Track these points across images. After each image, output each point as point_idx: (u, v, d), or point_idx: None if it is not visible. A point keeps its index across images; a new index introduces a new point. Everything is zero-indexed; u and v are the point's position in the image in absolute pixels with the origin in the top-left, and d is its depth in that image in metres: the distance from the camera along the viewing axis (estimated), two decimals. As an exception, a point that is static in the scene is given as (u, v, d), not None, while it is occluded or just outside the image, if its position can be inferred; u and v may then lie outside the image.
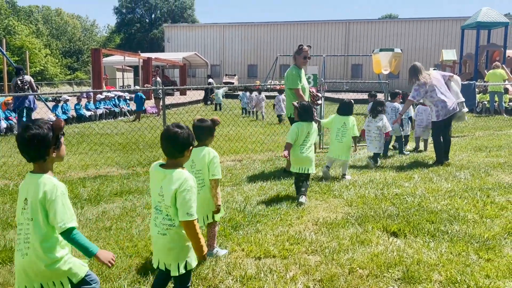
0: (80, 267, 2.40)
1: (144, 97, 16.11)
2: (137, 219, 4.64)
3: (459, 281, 3.16)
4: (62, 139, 2.35)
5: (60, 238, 2.27)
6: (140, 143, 9.21)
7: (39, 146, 2.21)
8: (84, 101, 15.24)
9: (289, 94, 6.53)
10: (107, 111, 15.69)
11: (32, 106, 11.10)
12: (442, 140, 7.15)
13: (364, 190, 5.58)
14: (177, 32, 45.05)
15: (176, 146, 2.54)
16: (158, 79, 16.82)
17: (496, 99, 15.03)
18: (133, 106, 16.95)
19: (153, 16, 64.95)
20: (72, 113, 14.47)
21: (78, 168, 7.24)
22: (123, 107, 16.58)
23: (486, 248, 3.71)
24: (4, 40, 19.19)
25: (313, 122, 5.29)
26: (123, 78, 30.30)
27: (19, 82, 10.98)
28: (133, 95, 18.43)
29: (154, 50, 48.44)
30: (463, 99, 7.43)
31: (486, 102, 15.82)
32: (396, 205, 4.95)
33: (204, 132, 3.43)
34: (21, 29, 45.60)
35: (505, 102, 15.79)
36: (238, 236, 4.07)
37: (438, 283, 3.16)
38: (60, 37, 60.71)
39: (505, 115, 14.47)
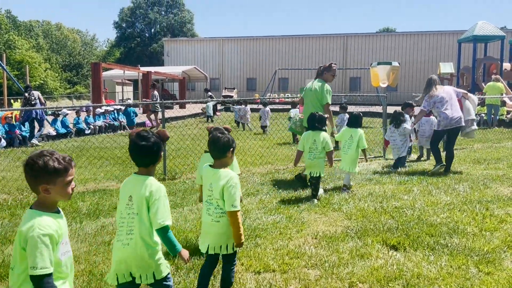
0: (166, 266, 2.62)
1: (135, 111, 16.20)
2: (136, 234, 4.62)
3: (459, 295, 3.15)
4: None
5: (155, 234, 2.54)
6: (140, 157, 9.22)
7: (151, 154, 2.56)
8: (83, 115, 15.28)
9: (318, 107, 6.58)
10: (106, 124, 15.72)
11: (39, 117, 12.38)
12: (446, 153, 7.55)
13: (363, 203, 5.58)
14: (176, 46, 45.38)
15: (219, 149, 2.97)
16: (156, 92, 16.90)
17: (493, 111, 15.11)
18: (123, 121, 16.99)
19: (152, 30, 65.52)
20: (71, 127, 14.50)
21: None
22: (122, 121, 16.62)
23: (486, 262, 3.70)
24: (4, 55, 19.29)
25: (322, 132, 5.66)
26: (122, 92, 30.41)
27: (27, 95, 12.31)
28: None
29: (153, 64, 48.75)
30: (474, 117, 7.90)
31: (483, 115, 15.90)
32: (396, 218, 4.94)
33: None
34: (21, 44, 45.92)
35: (502, 115, 15.88)
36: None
37: (439, 297, 3.15)
38: (60, 51, 61.12)
39: (496, 128, 14.54)
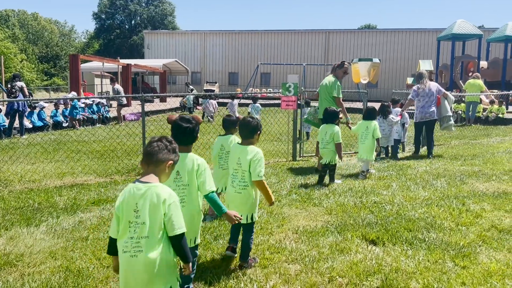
0: (199, 234, 3.14)
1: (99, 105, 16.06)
2: (115, 229, 4.55)
3: (436, 288, 3.21)
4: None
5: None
6: (119, 151, 9.09)
7: (193, 134, 3.08)
8: (61, 108, 14.96)
9: (330, 100, 7.34)
10: (85, 118, 15.43)
11: (21, 108, 11.92)
12: (427, 142, 8.85)
13: (343, 199, 5.62)
14: (157, 38, 44.78)
15: (250, 130, 3.59)
16: (117, 85, 16.64)
17: (471, 108, 15.43)
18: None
19: (133, 22, 64.50)
20: (48, 119, 14.18)
21: (54, 176, 7.08)
22: (100, 114, 16.34)
23: (462, 256, 3.78)
24: (-22, 45, 18.71)
25: (335, 125, 6.41)
26: (101, 84, 29.88)
27: (9, 87, 12.14)
28: (113, 102, 18.22)
29: (133, 57, 48.06)
30: (451, 114, 9.00)
31: (461, 112, 16.22)
32: (375, 213, 5.00)
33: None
34: (-4, 34, 44.63)
35: (478, 112, 16.23)
36: (218, 245, 4.05)
37: (416, 291, 3.20)
38: (36, 42, 59.62)
39: (472, 125, 14.86)
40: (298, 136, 9.09)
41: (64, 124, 14.40)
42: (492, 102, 16.40)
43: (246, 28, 49.66)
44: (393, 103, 9.45)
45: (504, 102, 16.86)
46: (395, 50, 38.74)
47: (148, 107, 19.61)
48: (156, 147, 2.46)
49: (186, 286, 2.99)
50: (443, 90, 8.85)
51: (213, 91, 32.47)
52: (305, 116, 8.45)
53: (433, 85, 8.70)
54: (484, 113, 16.23)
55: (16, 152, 8.83)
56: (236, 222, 3.12)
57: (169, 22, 64.71)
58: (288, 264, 3.68)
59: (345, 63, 7.53)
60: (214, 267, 3.58)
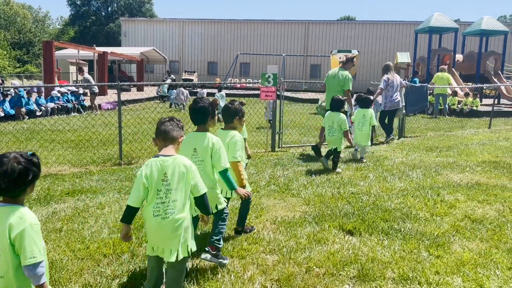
0: (224, 201, 3.50)
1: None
2: (89, 220, 4.46)
3: (411, 278, 3.26)
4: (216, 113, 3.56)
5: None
6: (94, 141, 8.90)
7: (207, 113, 3.36)
8: (34, 96, 14.54)
9: (341, 92, 7.81)
10: (59, 106, 15.05)
11: None
12: (387, 126, 9.50)
13: (321, 189, 5.65)
14: (134, 26, 43.90)
15: (229, 115, 3.79)
16: (86, 75, 16.28)
17: (441, 101, 15.74)
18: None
19: (109, 9, 63.00)
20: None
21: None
22: (76, 103, 15.96)
23: (436, 245, 3.85)
24: None
25: (341, 113, 6.69)
26: (77, 72, 29.18)
27: None
28: (87, 90, 17.82)
29: (110, 44, 46.99)
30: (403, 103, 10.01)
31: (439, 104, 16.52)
32: (352, 204, 5.05)
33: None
34: (-35, 18, 42.92)
35: (453, 105, 16.56)
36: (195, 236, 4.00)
37: (391, 281, 3.24)
38: (8, 28, 57.63)
39: (447, 116, 15.18)
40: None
41: (38, 113, 14.00)
42: (467, 95, 16.75)
43: (226, 17, 49.17)
44: (368, 93, 9.93)
45: (478, 95, 17.26)
46: (373, 42, 39.07)
47: (125, 96, 19.27)
48: (170, 125, 2.82)
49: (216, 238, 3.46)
50: (403, 83, 9.92)
51: (191, 80, 32.14)
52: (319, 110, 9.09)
53: (398, 77, 9.59)
54: (459, 106, 16.57)
55: (-13, 141, 8.54)
56: (246, 197, 3.53)
57: (147, 10, 63.47)
58: (266, 255, 3.67)
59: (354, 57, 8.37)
60: (192, 258, 3.55)
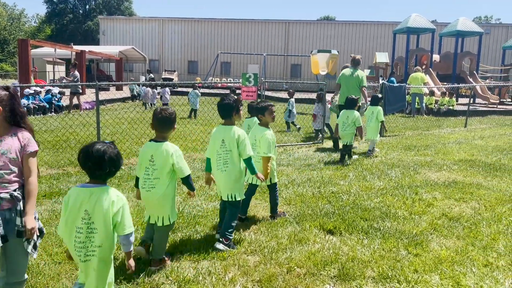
0: (243, 190, 4.00)
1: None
2: (67, 223, 4.37)
3: (390, 276, 3.30)
4: (241, 109, 4.14)
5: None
6: (72, 141, 8.74)
7: (230, 109, 3.85)
8: (9, 95, 14.17)
9: (355, 88, 8.56)
10: (36, 106, 14.71)
11: None
12: None
13: (302, 189, 5.68)
14: (113, 24, 43.25)
15: (226, 110, 3.88)
16: (77, 73, 15.97)
17: (418, 100, 16.03)
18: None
19: (87, 7, 61.96)
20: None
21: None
22: (53, 103, 15.63)
23: (414, 244, 3.91)
24: None
25: (355, 111, 7.36)
26: (53, 71, 28.59)
27: None
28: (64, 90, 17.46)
29: (88, 43, 46.20)
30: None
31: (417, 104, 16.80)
32: (332, 203, 5.09)
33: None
34: None
35: (431, 104, 16.87)
36: (176, 238, 3.98)
37: (371, 279, 3.28)
38: (-18, 25, 56.08)
39: (425, 115, 15.46)
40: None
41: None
42: (443, 94, 17.09)
43: (206, 16, 48.92)
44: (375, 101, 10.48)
45: (454, 95, 17.63)
46: (353, 42, 39.48)
47: (104, 95, 18.97)
48: (166, 116, 3.33)
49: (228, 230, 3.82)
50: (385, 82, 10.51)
51: (171, 79, 31.88)
52: (332, 107, 9.57)
53: None
54: (436, 105, 16.89)
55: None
56: (263, 181, 4.07)
57: (126, 8, 62.68)
58: (247, 256, 3.67)
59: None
60: (172, 260, 3.52)
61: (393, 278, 3.28)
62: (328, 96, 10.32)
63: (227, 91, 23.69)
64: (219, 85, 29.83)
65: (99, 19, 46.40)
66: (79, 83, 14.84)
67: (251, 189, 4.55)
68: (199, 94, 15.38)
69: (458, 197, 5.42)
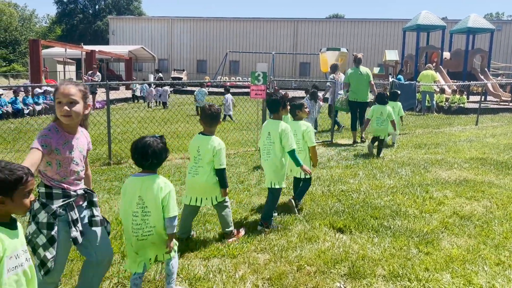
0: (281, 183, 4.26)
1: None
2: (79, 221, 4.42)
3: (401, 274, 3.29)
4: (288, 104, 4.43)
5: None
6: (83, 140, 8.81)
7: (276, 105, 4.26)
8: (21, 95, 14.35)
9: (367, 85, 9.37)
10: (47, 106, 14.88)
11: None
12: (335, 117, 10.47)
13: (311, 187, 5.65)
14: (122, 24, 43.54)
15: (274, 106, 4.29)
16: (99, 74, 16.08)
17: (428, 98, 15.89)
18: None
19: (97, 7, 62.40)
20: (8, 108, 13.58)
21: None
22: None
23: (425, 242, 3.89)
24: None
25: (387, 106, 7.90)
26: (64, 71, 28.87)
27: None
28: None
29: (98, 43, 46.54)
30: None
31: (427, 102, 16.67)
32: (342, 202, 5.08)
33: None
34: (-50, 16, 42.10)
35: (441, 102, 16.73)
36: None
37: (382, 278, 3.27)
38: (-6, 26, 56.71)
39: (435, 113, 15.32)
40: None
41: (25, 112, 13.83)
42: (454, 92, 16.93)
43: (215, 15, 48.97)
44: (313, 88, 11.14)
45: (465, 92, 17.44)
46: (362, 40, 39.28)
47: (113, 95, 19.11)
48: (214, 112, 3.75)
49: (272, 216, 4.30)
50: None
51: (181, 78, 31.99)
52: (337, 104, 9.91)
53: (342, 76, 10.88)
54: (447, 103, 16.74)
55: (-27, 141, 8.41)
56: (309, 174, 4.40)
57: (135, 8, 63.02)
58: (257, 254, 3.68)
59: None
60: (183, 258, 3.54)
61: (403, 276, 3.27)
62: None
63: (238, 90, 23.73)
64: (228, 84, 29.86)
65: (108, 19, 46.72)
66: (95, 82, 14.97)
67: (296, 184, 4.93)
68: (207, 92, 15.44)
69: (469, 195, 5.37)
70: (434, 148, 8.70)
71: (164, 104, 18.68)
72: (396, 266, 3.42)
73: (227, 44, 40.32)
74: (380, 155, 7.77)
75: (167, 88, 18.78)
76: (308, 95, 10.55)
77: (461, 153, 8.09)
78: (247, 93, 9.56)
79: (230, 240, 3.88)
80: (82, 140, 2.62)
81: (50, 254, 2.43)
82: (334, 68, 11.08)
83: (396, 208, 4.83)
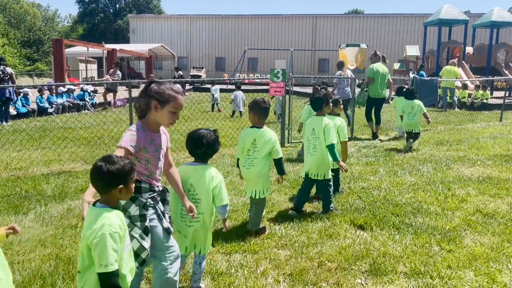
0: (329, 174, 4.61)
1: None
2: (104, 216, 4.53)
3: (422, 272, 3.28)
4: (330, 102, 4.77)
5: None
6: (106, 137, 9.00)
7: (320, 103, 4.61)
8: (46, 94, 14.70)
9: (385, 81, 9.57)
10: (70, 104, 15.20)
11: (11, 97, 11.80)
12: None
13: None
14: (142, 23, 44.03)
15: (317, 103, 4.63)
16: (119, 72, 16.32)
17: (449, 94, 15.61)
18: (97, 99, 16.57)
19: (117, 6, 63.21)
20: (33, 106, 13.94)
21: (41, 163, 7.00)
22: (87, 100, 16.11)
23: (447, 240, 3.86)
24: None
25: (417, 100, 8.19)
26: (86, 70, 29.40)
27: (0, 73, 11.48)
28: (97, 88, 17.94)
29: (118, 41, 47.24)
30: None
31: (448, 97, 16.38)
32: (363, 199, 5.07)
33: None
34: (-24, 17, 43.26)
35: (464, 98, 16.42)
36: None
37: (403, 275, 3.27)
38: (19, 26, 58.09)
39: (457, 109, 15.04)
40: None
41: (50, 110, 14.16)
42: (477, 88, 16.60)
43: (233, 13, 49.05)
44: (323, 85, 11.37)
45: (488, 88, 17.07)
46: (382, 35, 38.77)
47: (134, 92, 19.37)
48: (267, 106, 3.97)
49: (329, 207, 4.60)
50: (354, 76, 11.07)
51: (199, 76, 32.19)
52: (359, 99, 9.94)
53: (349, 72, 11.35)
54: (469, 99, 16.43)
55: (1, 139, 8.68)
56: (344, 170, 4.53)
57: (154, 6, 63.58)
58: (278, 250, 3.72)
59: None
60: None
61: (425, 273, 3.26)
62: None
63: (256, 87, 23.81)
64: (246, 81, 29.91)
65: (129, 17, 47.30)
66: (117, 81, 15.22)
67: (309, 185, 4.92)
68: (218, 88, 15.65)
69: (493, 192, 5.29)
70: (456, 144, 8.57)
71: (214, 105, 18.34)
72: (418, 263, 3.41)
73: (246, 41, 40.35)
74: (412, 148, 8.06)
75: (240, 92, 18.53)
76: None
77: (484, 150, 7.95)
78: (266, 90, 9.59)
79: (252, 238, 3.95)
80: (163, 137, 2.73)
81: (147, 243, 2.54)
82: (340, 65, 11.26)
83: (418, 206, 4.80)
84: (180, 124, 10.49)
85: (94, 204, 2.15)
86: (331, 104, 4.78)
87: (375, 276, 3.25)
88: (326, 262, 3.47)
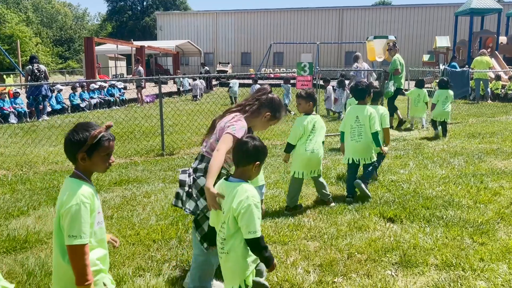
0: (374, 156, 4.99)
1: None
2: (137, 208, 4.69)
3: (454, 264, 3.26)
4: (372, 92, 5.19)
5: None
6: (137, 132, 9.23)
7: (363, 93, 4.93)
8: (79, 91, 15.15)
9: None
10: (102, 100, 15.61)
11: (47, 93, 12.35)
12: None
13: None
14: (169, 19, 44.55)
15: (360, 93, 4.95)
16: (140, 68, 16.62)
17: (482, 86, 15.16)
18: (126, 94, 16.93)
19: (144, 3, 64.12)
20: (66, 102, 14.40)
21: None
22: (117, 96, 16.50)
23: (480, 233, 3.81)
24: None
25: (449, 90, 8.57)
26: (115, 66, 30.05)
27: (36, 71, 11.90)
28: (128, 84, 18.30)
29: (146, 38, 47.93)
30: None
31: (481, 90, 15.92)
32: (392, 192, 5.04)
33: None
34: (11, 17, 44.80)
35: (497, 89, 15.93)
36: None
37: (434, 267, 3.26)
38: (51, 26, 59.82)
39: (489, 101, 14.59)
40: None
41: (82, 105, 14.58)
42: (511, 79, 16.06)
43: (258, 7, 48.95)
44: (342, 77, 12.32)
45: (523, 79, 16.48)
46: (410, 26, 37.91)
47: (163, 88, 19.72)
48: (364, 87, 4.85)
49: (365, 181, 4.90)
50: (370, 68, 11.67)
51: (226, 71, 32.36)
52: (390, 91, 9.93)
53: (365, 65, 11.74)
54: (503, 90, 15.92)
55: (38, 135, 9.03)
56: (385, 153, 5.12)
57: (181, 3, 64.14)
58: (308, 241, 3.76)
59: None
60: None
61: (457, 266, 3.24)
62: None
63: (281, 81, 23.79)
64: (272, 75, 29.87)
65: (156, 14, 47.94)
66: (143, 77, 15.54)
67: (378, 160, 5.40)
68: (237, 82, 15.87)
69: (527, 186, 5.16)
70: (489, 137, 8.36)
71: (195, 97, 18.53)
72: (449, 256, 3.39)
73: (271, 35, 40.24)
74: (446, 136, 8.45)
75: (198, 82, 18.83)
76: (336, 83, 12.02)
77: (518, 143, 7.73)
78: (292, 84, 9.58)
79: (288, 212, 4.43)
80: None
81: None
82: (356, 58, 11.43)
83: (449, 199, 4.74)
84: (204, 119, 10.64)
85: (226, 179, 2.35)
86: (372, 95, 5.17)
87: (406, 267, 3.25)
88: (356, 253, 3.50)
